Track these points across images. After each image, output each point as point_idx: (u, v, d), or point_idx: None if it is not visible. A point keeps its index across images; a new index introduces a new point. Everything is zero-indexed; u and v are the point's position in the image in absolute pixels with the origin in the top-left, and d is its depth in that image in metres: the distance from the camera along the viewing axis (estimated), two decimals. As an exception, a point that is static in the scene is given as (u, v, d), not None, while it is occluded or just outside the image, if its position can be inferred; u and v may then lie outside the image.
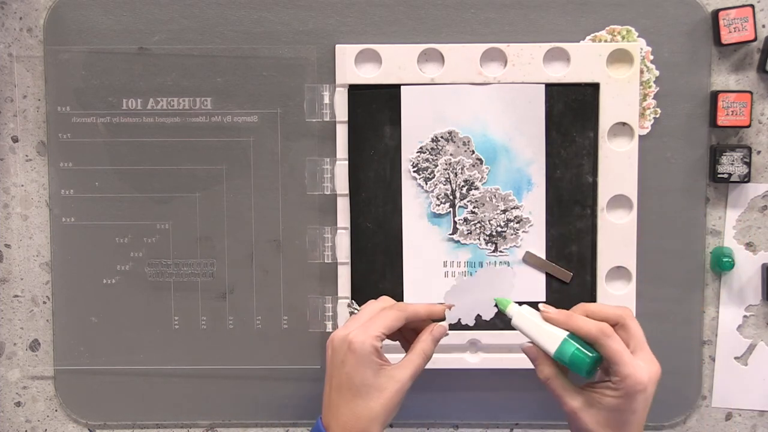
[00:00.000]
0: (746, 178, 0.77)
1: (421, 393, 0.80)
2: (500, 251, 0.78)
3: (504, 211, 0.78)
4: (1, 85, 0.79)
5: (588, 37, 0.77)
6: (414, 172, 0.78)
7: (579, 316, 0.62)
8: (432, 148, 0.77)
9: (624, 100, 0.76)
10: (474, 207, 0.78)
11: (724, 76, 0.78)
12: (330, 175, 0.78)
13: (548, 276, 0.78)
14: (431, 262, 0.78)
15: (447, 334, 0.66)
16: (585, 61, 0.76)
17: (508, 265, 0.78)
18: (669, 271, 0.79)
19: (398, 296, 0.78)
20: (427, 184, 0.78)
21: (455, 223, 0.78)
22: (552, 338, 0.62)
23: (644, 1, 0.77)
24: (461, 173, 0.77)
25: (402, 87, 0.77)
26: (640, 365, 0.60)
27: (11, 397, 0.82)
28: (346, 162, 0.78)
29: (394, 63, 0.76)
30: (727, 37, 0.75)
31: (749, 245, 0.79)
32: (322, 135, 0.78)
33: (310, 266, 0.79)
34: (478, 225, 0.78)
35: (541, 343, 0.63)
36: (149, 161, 0.79)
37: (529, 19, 0.77)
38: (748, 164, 0.76)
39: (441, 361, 0.78)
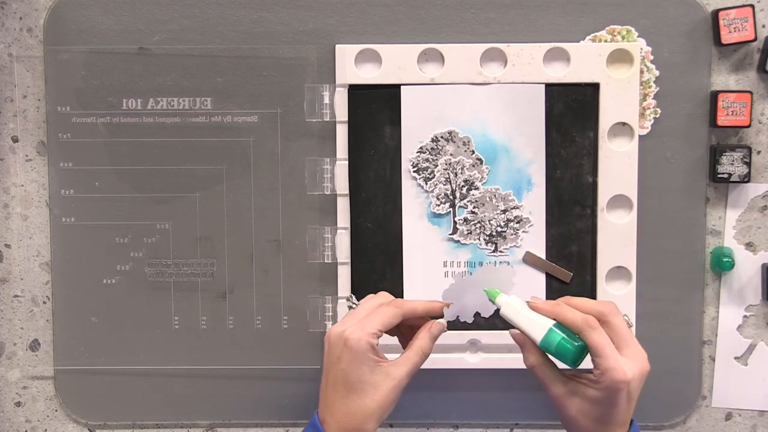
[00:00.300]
0: (746, 178, 0.77)
1: (421, 393, 0.80)
2: (500, 251, 0.78)
3: (504, 211, 0.78)
4: (1, 85, 0.79)
5: (588, 37, 0.77)
6: (414, 172, 0.78)
7: (566, 306, 0.63)
8: (432, 148, 0.77)
9: (624, 100, 0.76)
10: (474, 207, 0.78)
11: (724, 76, 0.78)
12: (330, 175, 0.78)
13: (548, 276, 0.78)
14: (431, 262, 0.78)
15: (445, 331, 0.66)
16: (585, 61, 0.76)
17: (509, 265, 0.78)
18: (669, 271, 0.79)
19: (398, 296, 0.78)
20: (427, 184, 0.78)
21: (455, 223, 0.78)
22: (539, 327, 0.63)
23: (644, 1, 0.77)
24: (461, 173, 0.77)
25: (402, 87, 0.77)
26: (623, 361, 0.60)
27: (11, 397, 0.82)
28: (346, 162, 0.78)
29: (394, 63, 0.76)
30: (727, 37, 0.75)
31: (749, 245, 0.79)
32: (322, 135, 0.78)
33: (310, 266, 0.79)
34: (478, 225, 0.78)
35: (528, 332, 0.63)
36: (149, 161, 0.79)
37: (529, 19, 0.77)
38: (748, 164, 0.76)
39: (441, 361, 0.78)
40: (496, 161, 0.77)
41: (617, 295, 0.77)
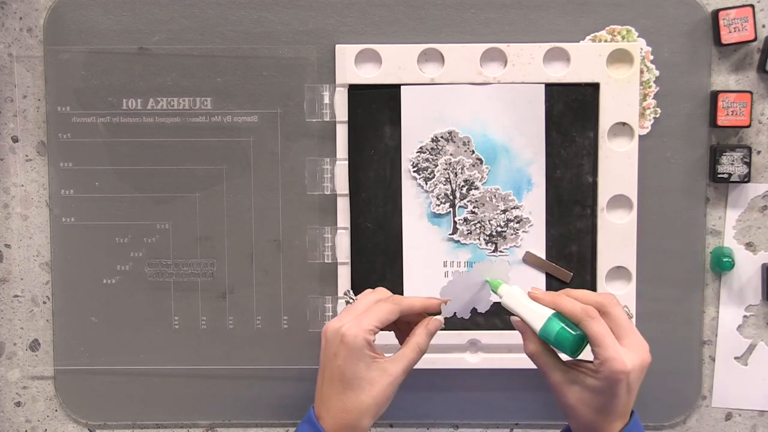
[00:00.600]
0: (746, 178, 0.77)
1: (421, 393, 0.80)
2: (500, 251, 0.78)
3: (504, 211, 0.78)
4: (1, 85, 0.79)
5: (588, 37, 0.77)
6: (414, 172, 0.78)
7: (566, 297, 0.63)
8: (432, 148, 0.77)
9: (624, 100, 0.76)
10: (474, 207, 0.78)
11: (724, 76, 0.78)
12: (330, 175, 0.78)
13: (548, 276, 0.78)
14: (431, 262, 0.78)
15: (442, 327, 0.66)
16: (585, 61, 0.76)
17: (506, 260, 0.78)
18: (669, 271, 0.79)
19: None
20: (427, 184, 0.78)
21: (455, 223, 0.78)
22: (538, 317, 0.63)
23: (644, 1, 0.77)
24: (461, 173, 0.77)
25: (402, 87, 0.77)
26: (623, 351, 0.60)
27: (11, 397, 0.82)
28: (346, 162, 0.78)
29: (394, 63, 0.76)
30: (727, 37, 0.75)
31: (749, 245, 0.79)
32: (322, 135, 0.78)
33: (310, 266, 0.79)
34: (478, 225, 0.78)
35: (528, 321, 0.63)
36: (149, 161, 0.79)
37: (529, 19, 0.77)
38: (748, 164, 0.76)
39: (441, 361, 0.78)
40: (496, 161, 0.77)
41: (617, 295, 0.77)
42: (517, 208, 0.78)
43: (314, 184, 0.79)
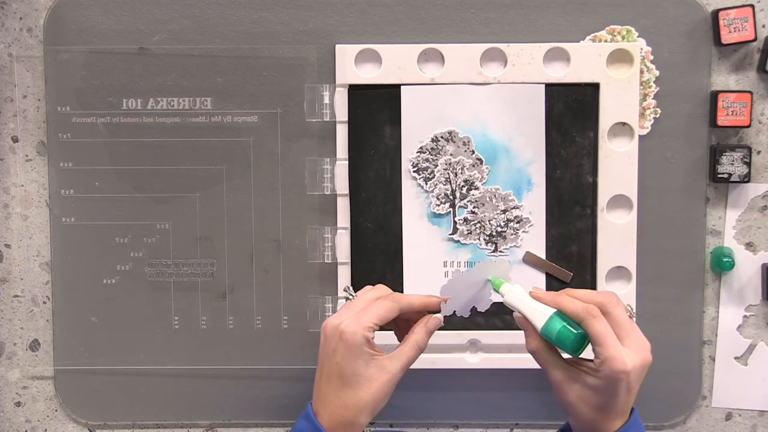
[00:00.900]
0: (746, 178, 0.77)
1: (421, 393, 0.80)
2: (500, 251, 0.78)
3: (504, 211, 0.78)
4: (1, 85, 0.79)
5: (588, 37, 0.77)
6: (414, 172, 0.78)
7: (567, 296, 0.63)
8: (432, 148, 0.77)
9: (624, 100, 0.76)
10: (474, 207, 0.78)
11: (724, 76, 0.78)
12: (330, 175, 0.78)
13: (548, 276, 0.78)
14: (431, 262, 0.78)
15: (442, 326, 0.66)
16: (585, 61, 0.76)
17: (507, 260, 0.78)
18: (669, 271, 0.79)
19: (398, 296, 0.78)
20: (427, 184, 0.78)
21: (455, 223, 0.78)
22: (540, 315, 0.63)
23: (644, 1, 0.77)
24: (461, 173, 0.77)
25: (402, 87, 0.77)
26: (624, 351, 0.60)
27: (11, 397, 0.82)
28: (346, 162, 0.78)
29: (394, 63, 0.76)
30: (727, 37, 0.75)
31: (749, 245, 0.79)
32: (322, 135, 0.78)
33: (310, 266, 0.79)
34: (478, 225, 0.78)
35: (530, 319, 0.63)
36: (149, 161, 0.79)
37: (529, 19, 0.77)
38: (748, 164, 0.76)
39: (441, 361, 0.78)
40: (496, 161, 0.77)
41: (617, 295, 0.77)
42: (517, 208, 0.78)
43: (314, 184, 0.79)
